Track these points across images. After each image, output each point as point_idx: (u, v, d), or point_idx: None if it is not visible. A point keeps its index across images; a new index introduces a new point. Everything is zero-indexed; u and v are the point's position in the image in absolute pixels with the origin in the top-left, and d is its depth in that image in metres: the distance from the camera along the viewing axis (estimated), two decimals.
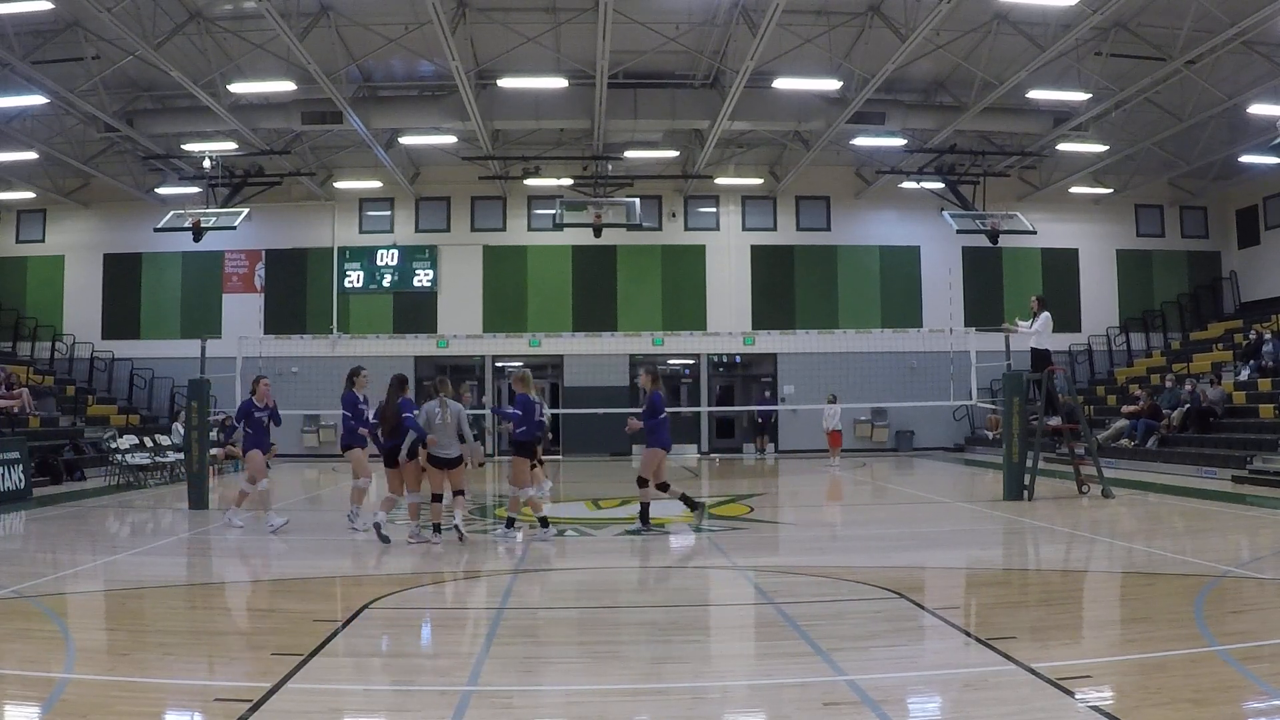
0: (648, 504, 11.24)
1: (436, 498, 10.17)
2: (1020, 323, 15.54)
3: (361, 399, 11.49)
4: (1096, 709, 4.53)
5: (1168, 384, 21.70)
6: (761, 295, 28.09)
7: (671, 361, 28.63)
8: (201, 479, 13.90)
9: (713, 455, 27.32)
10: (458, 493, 10.37)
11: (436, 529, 10.12)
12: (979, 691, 4.95)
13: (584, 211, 22.64)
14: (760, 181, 27.86)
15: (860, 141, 24.19)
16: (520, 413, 10.58)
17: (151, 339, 27.40)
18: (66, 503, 14.89)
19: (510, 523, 10.92)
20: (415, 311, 27.54)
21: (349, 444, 11.61)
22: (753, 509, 13.88)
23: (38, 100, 19.11)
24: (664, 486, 11.31)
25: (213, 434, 18.84)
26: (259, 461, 11.72)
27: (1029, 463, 14.10)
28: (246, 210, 21.74)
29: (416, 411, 10.21)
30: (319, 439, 26.85)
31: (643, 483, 11.23)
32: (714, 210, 28.52)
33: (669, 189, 27.76)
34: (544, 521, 10.67)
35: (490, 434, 25.02)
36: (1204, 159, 24.92)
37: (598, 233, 23.21)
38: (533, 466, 11.97)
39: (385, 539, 10.07)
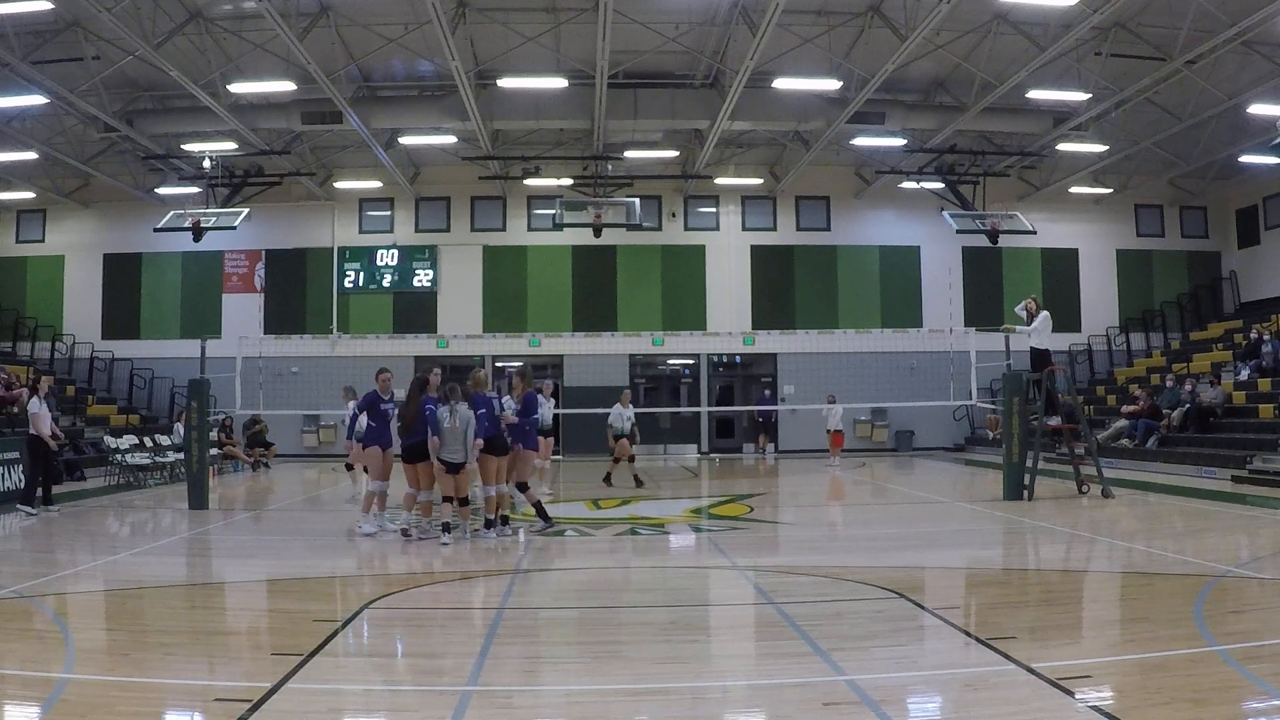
0: (539, 501, 11.50)
1: (462, 500, 10.27)
2: (1019, 327, 15.51)
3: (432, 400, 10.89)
4: (1096, 709, 4.53)
5: (1168, 384, 21.71)
6: (761, 295, 28.10)
7: (671, 361, 28.63)
8: (201, 479, 13.90)
9: (713, 455, 27.32)
10: (462, 500, 10.29)
11: (446, 528, 10.16)
12: (979, 691, 4.95)
13: (584, 211, 22.62)
14: (760, 181, 27.86)
15: (860, 141, 24.19)
16: (484, 412, 10.52)
17: (151, 339, 27.39)
18: (66, 503, 14.87)
19: (500, 522, 10.87)
20: (415, 311, 27.54)
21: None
22: (753, 509, 13.88)
23: (38, 100, 19.10)
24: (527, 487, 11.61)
25: (212, 434, 18.85)
26: (377, 459, 11.35)
27: (1029, 463, 14.10)
28: (246, 210, 21.74)
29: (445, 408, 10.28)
30: (319, 439, 26.86)
31: (524, 487, 11.44)
32: (714, 210, 28.52)
33: (669, 189, 27.76)
34: (497, 521, 10.79)
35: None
36: (1204, 159, 24.92)
37: (598, 233, 23.21)
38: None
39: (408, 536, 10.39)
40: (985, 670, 5.27)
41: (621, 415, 17.11)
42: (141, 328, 27.62)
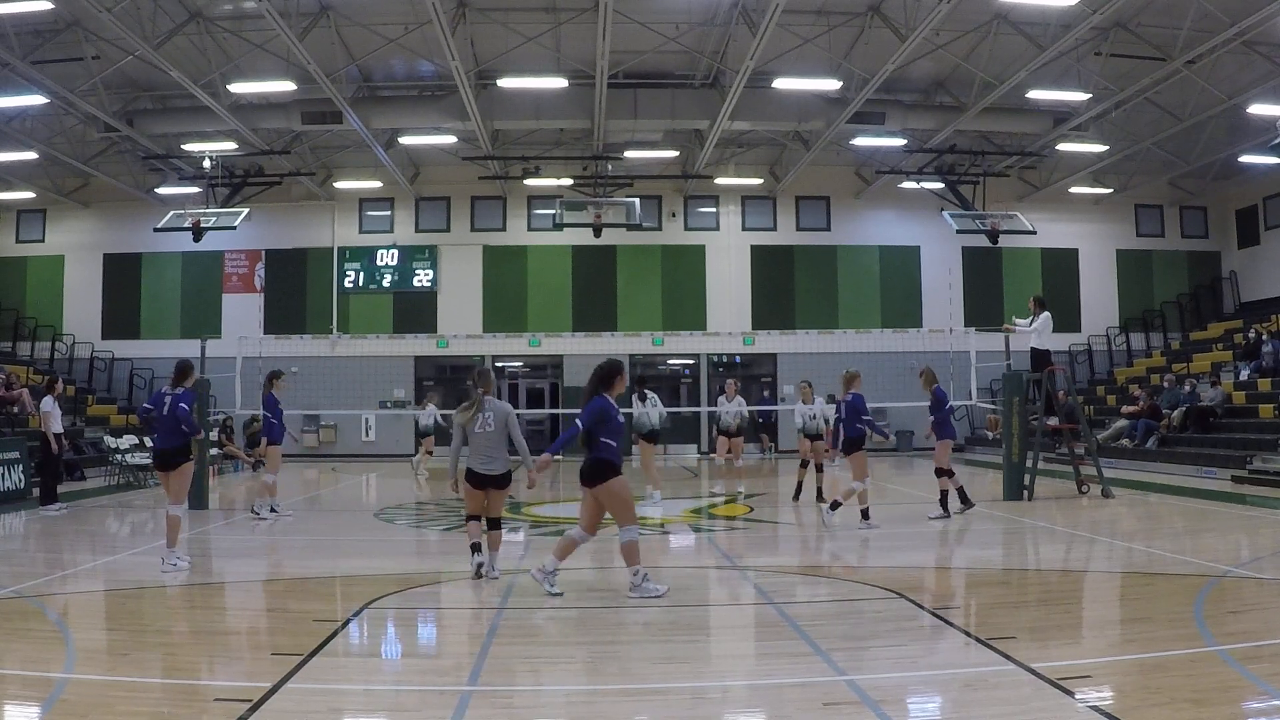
0: (948, 491, 12.20)
1: (472, 518, 8.33)
2: (1019, 321, 15.55)
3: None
4: (1096, 709, 4.53)
5: (1167, 384, 21.70)
6: (761, 295, 28.09)
7: (671, 361, 28.62)
8: (201, 479, 13.89)
9: (713, 455, 27.26)
10: (492, 524, 8.29)
11: (476, 548, 8.23)
12: (979, 691, 4.95)
13: (584, 211, 22.63)
14: (760, 181, 27.86)
15: (860, 141, 24.20)
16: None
17: (151, 339, 27.39)
18: (66, 502, 14.86)
19: (834, 505, 11.55)
20: (415, 311, 27.54)
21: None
22: (753, 509, 13.87)
23: (38, 100, 19.11)
24: (949, 473, 12.30)
25: (212, 434, 18.84)
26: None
27: (1029, 463, 14.11)
28: (246, 210, 21.75)
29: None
30: (319, 439, 26.86)
31: (941, 472, 12.30)
32: (714, 210, 28.52)
33: (669, 189, 27.75)
34: (864, 514, 11.28)
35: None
36: (1204, 159, 24.93)
37: (598, 233, 23.21)
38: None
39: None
40: (985, 670, 5.27)
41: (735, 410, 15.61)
42: (141, 328, 27.63)
